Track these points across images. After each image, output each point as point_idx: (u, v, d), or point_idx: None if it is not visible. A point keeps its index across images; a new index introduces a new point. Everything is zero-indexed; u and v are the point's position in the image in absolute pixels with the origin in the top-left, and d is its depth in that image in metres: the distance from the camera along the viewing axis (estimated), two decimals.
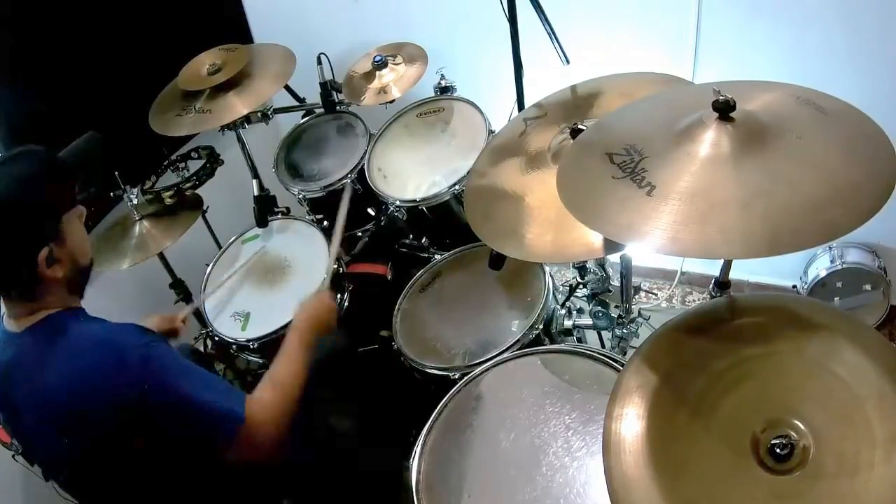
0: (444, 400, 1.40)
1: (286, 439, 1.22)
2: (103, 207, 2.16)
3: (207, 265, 2.11)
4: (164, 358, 1.13)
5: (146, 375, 1.08)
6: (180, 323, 1.75)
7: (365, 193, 2.13)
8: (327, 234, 2.04)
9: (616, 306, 1.71)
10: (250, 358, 2.02)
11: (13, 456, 1.65)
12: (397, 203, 1.99)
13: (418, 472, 1.28)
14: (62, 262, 1.14)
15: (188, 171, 2.13)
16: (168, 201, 2.03)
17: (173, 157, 2.19)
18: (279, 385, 1.26)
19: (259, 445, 1.17)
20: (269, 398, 1.22)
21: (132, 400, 1.07)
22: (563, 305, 1.74)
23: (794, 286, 2.20)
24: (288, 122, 2.47)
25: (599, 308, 1.71)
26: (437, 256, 1.93)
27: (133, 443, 1.12)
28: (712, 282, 1.31)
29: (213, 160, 2.14)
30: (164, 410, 1.10)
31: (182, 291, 2.19)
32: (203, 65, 2.04)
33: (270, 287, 1.99)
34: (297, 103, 2.35)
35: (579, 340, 1.79)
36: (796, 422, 0.91)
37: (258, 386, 1.26)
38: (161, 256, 2.08)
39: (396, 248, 2.15)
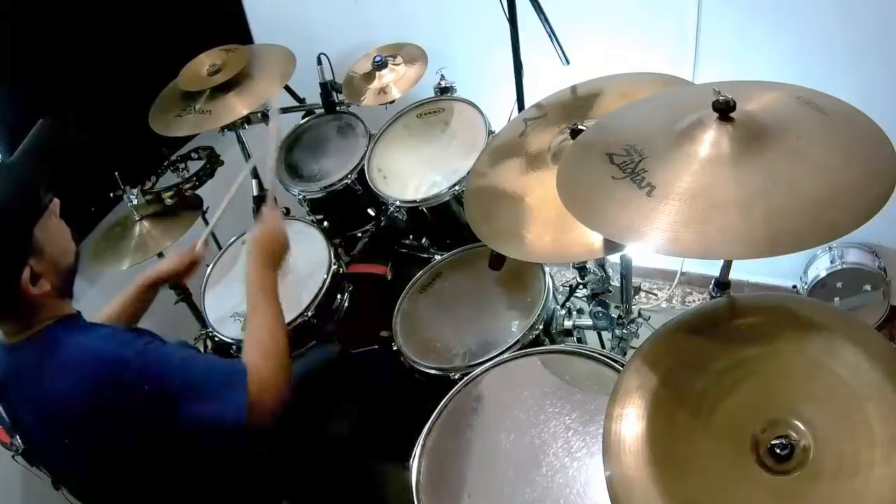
0: (444, 400, 1.39)
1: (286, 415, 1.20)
2: (103, 208, 2.16)
3: (207, 265, 2.11)
4: (161, 359, 1.12)
5: (145, 380, 1.07)
6: (199, 252, 1.66)
7: (365, 193, 2.13)
8: (327, 234, 2.04)
9: (616, 307, 1.71)
10: None
11: (13, 456, 1.65)
12: (397, 203, 1.99)
13: (418, 472, 1.28)
14: (46, 273, 1.08)
15: (188, 171, 2.13)
16: (168, 202, 2.03)
17: (173, 157, 2.19)
18: (264, 350, 1.22)
19: (265, 410, 1.16)
20: (260, 367, 1.18)
21: (134, 405, 1.07)
22: (563, 306, 1.74)
23: (794, 286, 2.20)
24: (288, 123, 2.47)
25: (599, 308, 1.70)
26: (437, 257, 1.93)
27: (141, 446, 1.12)
28: (712, 282, 1.31)
29: (212, 160, 2.14)
30: (167, 410, 1.09)
31: (182, 292, 2.19)
32: (203, 65, 2.05)
33: None
34: (298, 104, 2.35)
35: (579, 341, 1.79)
36: (796, 422, 0.91)
37: (245, 351, 1.22)
38: (161, 256, 2.08)
39: (396, 249, 2.15)
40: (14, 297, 1.05)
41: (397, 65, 2.15)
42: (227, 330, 1.93)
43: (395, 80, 2.12)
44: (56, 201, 1.14)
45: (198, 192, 2.09)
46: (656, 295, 2.54)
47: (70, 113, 2.01)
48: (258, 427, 1.14)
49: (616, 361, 1.32)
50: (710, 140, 1.00)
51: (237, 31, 2.66)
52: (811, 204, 0.89)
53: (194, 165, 2.14)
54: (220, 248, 2.20)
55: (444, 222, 2.01)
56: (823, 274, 2.05)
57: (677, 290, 2.54)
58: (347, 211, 2.24)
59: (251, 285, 1.32)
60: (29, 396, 1.12)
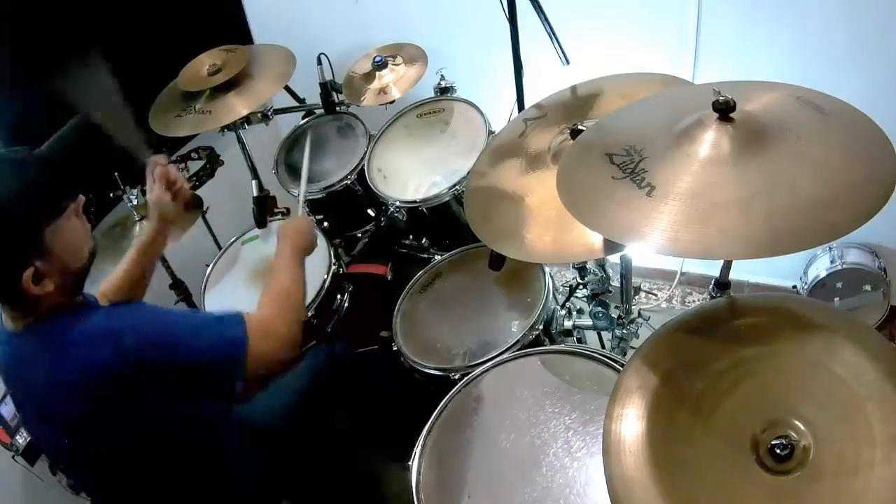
0: (444, 400, 1.40)
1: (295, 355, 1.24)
2: (103, 208, 2.16)
3: (207, 265, 2.11)
4: (156, 318, 1.14)
5: (144, 344, 1.07)
6: (162, 167, 1.45)
7: (365, 194, 2.13)
8: (327, 234, 2.04)
9: (616, 307, 1.71)
10: None
11: (13, 456, 1.65)
12: (397, 203, 1.99)
13: (418, 472, 1.28)
14: (50, 274, 1.05)
15: (188, 171, 2.13)
16: None
17: (173, 157, 2.19)
18: (276, 292, 1.28)
19: (270, 354, 1.18)
20: (267, 306, 1.24)
21: (135, 377, 1.06)
22: (563, 306, 1.74)
23: (794, 286, 2.20)
24: (288, 123, 2.47)
25: (599, 308, 1.70)
26: (438, 257, 1.93)
27: (141, 444, 1.12)
28: (712, 282, 1.31)
29: (212, 161, 2.14)
30: (168, 359, 1.09)
31: (182, 292, 2.19)
32: (203, 65, 2.04)
33: None
34: (298, 104, 2.35)
35: (579, 341, 1.79)
36: (796, 422, 0.91)
37: (258, 303, 1.27)
38: (161, 257, 2.07)
39: (396, 249, 2.15)
40: (14, 293, 1.04)
41: (397, 65, 2.15)
42: None
43: (395, 81, 2.12)
44: (81, 198, 1.12)
45: (198, 192, 2.09)
46: (656, 295, 2.54)
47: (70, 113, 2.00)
48: (258, 371, 1.16)
49: (616, 361, 1.32)
50: (710, 140, 1.00)
51: (237, 31, 2.66)
52: (811, 204, 0.89)
53: (194, 165, 2.14)
54: (219, 248, 2.20)
55: (444, 222, 2.01)
56: (823, 274, 2.05)
57: (677, 290, 2.54)
58: (347, 211, 2.25)
59: (276, 258, 1.37)
60: (27, 386, 1.13)
